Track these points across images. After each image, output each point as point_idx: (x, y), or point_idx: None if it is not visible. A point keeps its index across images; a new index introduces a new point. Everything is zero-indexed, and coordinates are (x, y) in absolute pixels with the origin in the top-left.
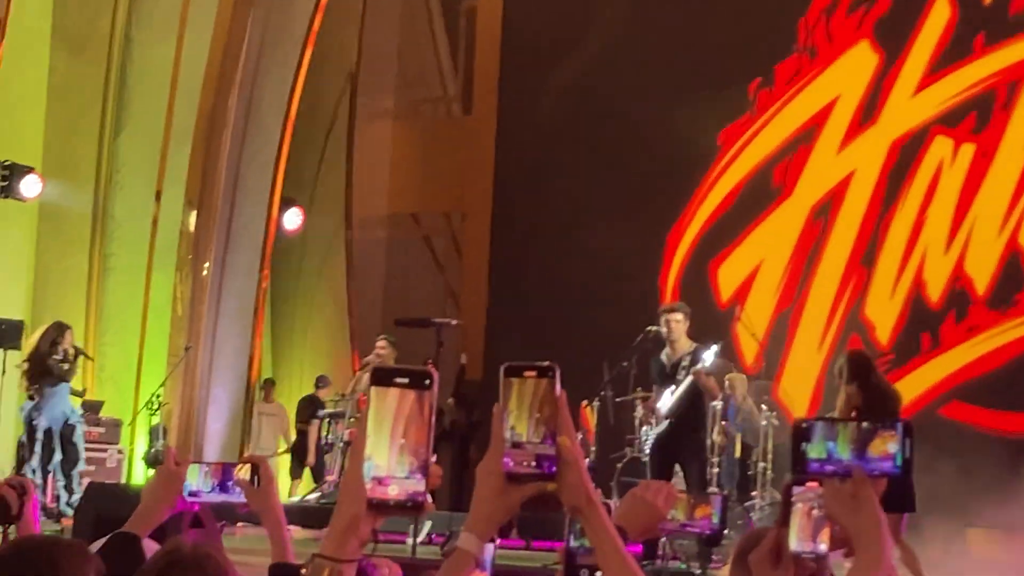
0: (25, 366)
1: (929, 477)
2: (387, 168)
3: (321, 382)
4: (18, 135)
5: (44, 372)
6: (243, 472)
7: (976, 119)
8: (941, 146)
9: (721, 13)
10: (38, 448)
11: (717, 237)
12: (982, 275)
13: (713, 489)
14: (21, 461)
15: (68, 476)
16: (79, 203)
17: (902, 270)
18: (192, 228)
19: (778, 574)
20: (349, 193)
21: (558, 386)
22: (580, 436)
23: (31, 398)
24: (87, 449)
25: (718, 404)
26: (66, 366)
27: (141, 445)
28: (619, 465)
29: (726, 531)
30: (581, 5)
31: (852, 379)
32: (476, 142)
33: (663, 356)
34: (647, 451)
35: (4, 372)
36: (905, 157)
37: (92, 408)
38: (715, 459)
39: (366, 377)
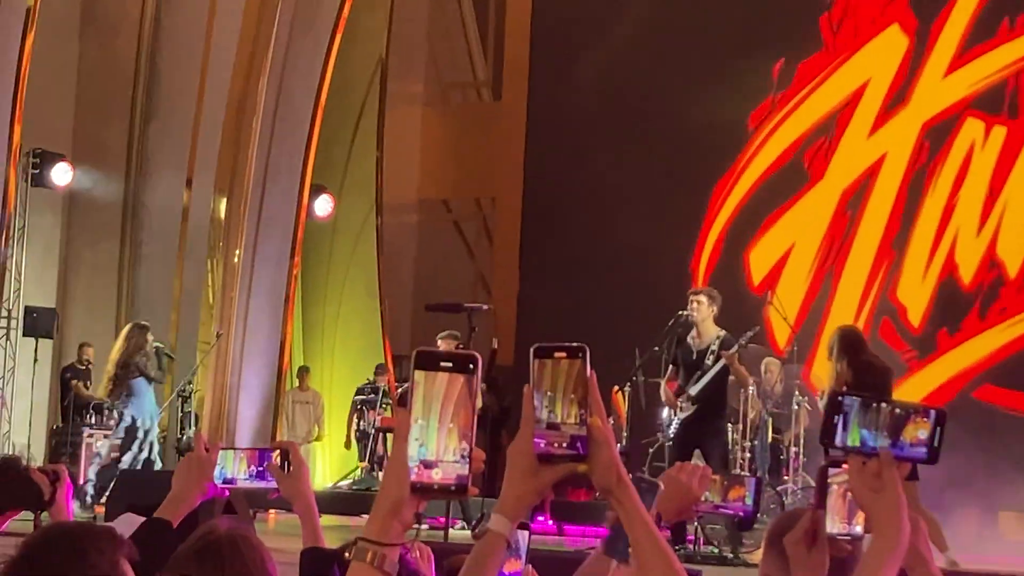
0: (112, 370)
1: (961, 461)
2: (417, 154)
3: (380, 370)
4: (48, 123)
5: (131, 373)
6: (275, 457)
7: (1007, 101)
8: (972, 128)
9: None
10: (135, 447)
11: (748, 221)
12: (1014, 257)
13: (745, 473)
14: (56, 448)
15: None
16: (109, 191)
17: (934, 253)
18: (223, 215)
19: (814, 556)
20: (379, 179)
21: (588, 367)
22: (611, 421)
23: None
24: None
25: (752, 389)
26: (153, 364)
27: (174, 432)
28: (651, 450)
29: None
30: None
31: (842, 355)
32: (506, 127)
33: (690, 341)
34: (671, 435)
35: (36, 360)
36: (936, 140)
37: None
38: (747, 443)
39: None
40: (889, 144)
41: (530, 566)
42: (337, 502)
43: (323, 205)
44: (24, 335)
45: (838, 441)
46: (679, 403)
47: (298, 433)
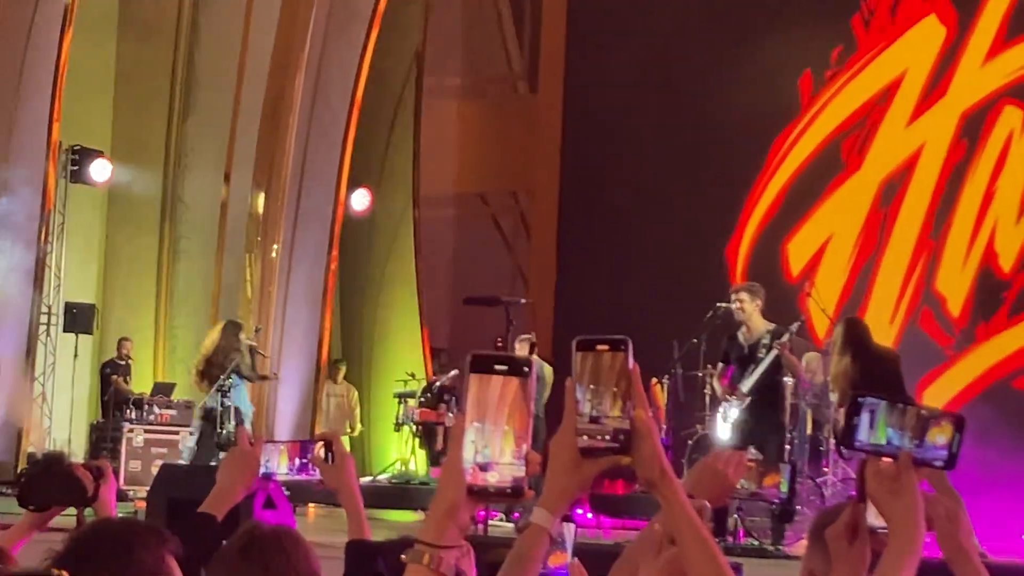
0: (202, 365)
1: (1002, 449)
2: (454, 147)
3: (443, 368)
4: (87, 120)
5: (215, 369)
6: (318, 449)
7: None
8: (1010, 116)
9: None
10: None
11: (786, 212)
12: None
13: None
14: (96, 443)
15: None
16: (148, 187)
17: (973, 242)
18: (261, 210)
19: (855, 549)
20: (416, 173)
21: (631, 359)
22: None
23: (221, 392)
24: (161, 431)
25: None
26: (247, 362)
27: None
28: (690, 442)
29: (798, 507)
30: None
31: (847, 349)
32: (543, 120)
33: (740, 337)
34: (728, 427)
35: (76, 355)
36: (974, 129)
37: (164, 391)
38: (786, 435)
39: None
40: (927, 134)
41: (576, 559)
42: (376, 495)
43: (360, 199)
44: (64, 331)
45: (858, 441)
46: (733, 398)
47: (333, 427)
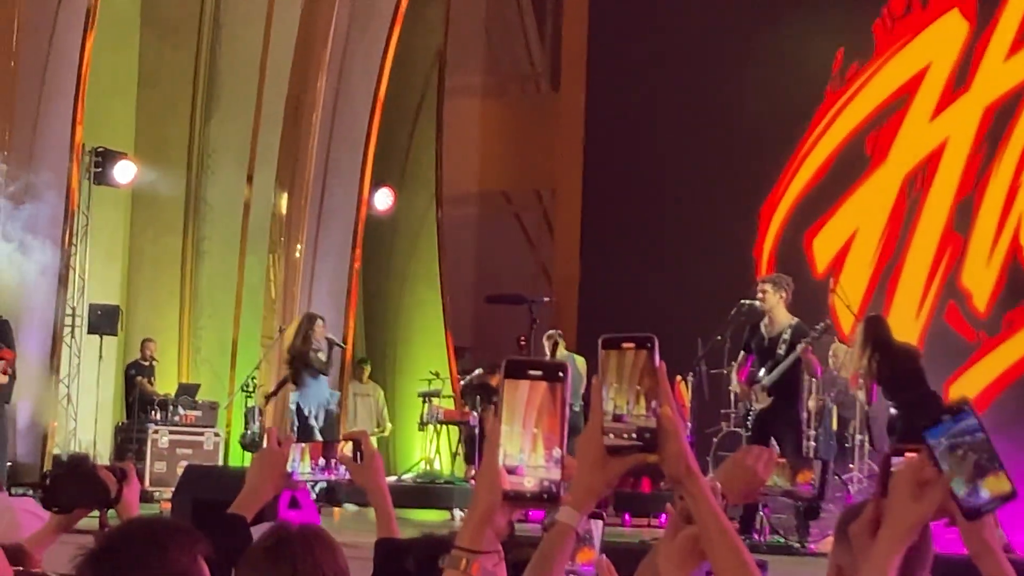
0: (288, 359)
1: None
2: (476, 146)
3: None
4: (110, 121)
5: (305, 365)
6: (345, 449)
7: None
8: None
9: None
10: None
11: (811, 208)
12: None
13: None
14: (122, 444)
15: None
16: (171, 188)
17: (998, 236)
18: (284, 210)
19: None
20: (439, 172)
21: (657, 357)
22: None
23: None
24: (186, 432)
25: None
26: (324, 357)
27: (238, 428)
28: (715, 440)
29: (824, 504)
30: None
31: (868, 346)
32: (565, 118)
33: (762, 328)
34: (748, 424)
35: (101, 357)
36: (999, 123)
37: (188, 392)
38: (811, 431)
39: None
40: (951, 128)
41: (604, 556)
42: (400, 495)
43: (383, 199)
44: (89, 332)
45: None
46: (753, 392)
47: (360, 426)
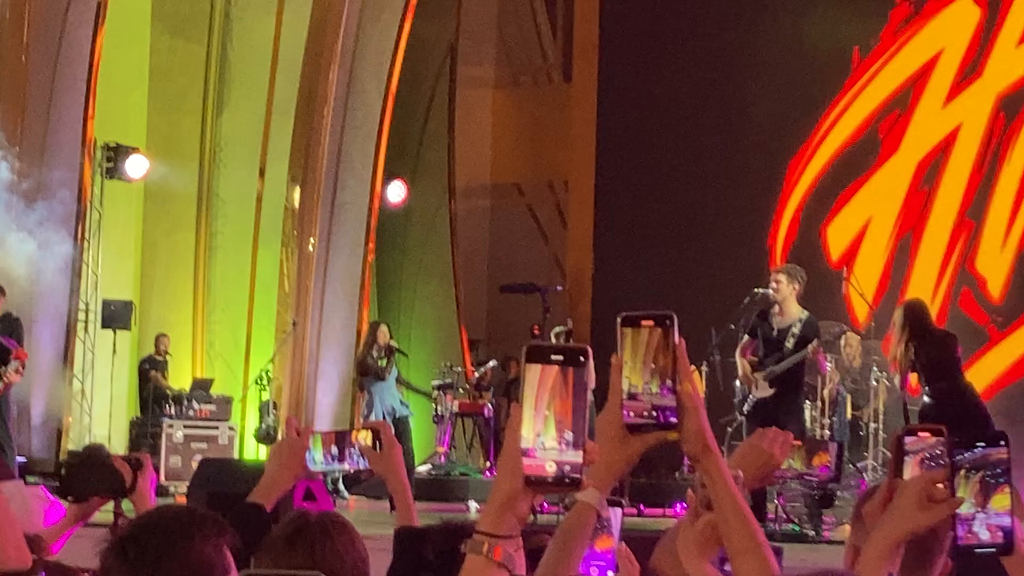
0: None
1: None
2: (489, 138)
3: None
4: (122, 117)
5: (365, 371)
6: (365, 438)
7: None
8: None
9: None
10: None
11: (825, 196)
12: None
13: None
14: (136, 439)
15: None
16: (184, 182)
17: (1012, 222)
18: (296, 204)
19: None
20: (451, 164)
21: (676, 334)
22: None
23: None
24: (200, 426)
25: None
26: (383, 363)
27: (252, 421)
28: (729, 430)
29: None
30: None
31: (907, 331)
32: (577, 109)
33: (772, 317)
34: (744, 411)
35: (115, 352)
36: (1011, 109)
37: (202, 386)
38: (825, 420)
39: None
40: (964, 115)
41: (623, 544)
42: (415, 487)
43: (396, 192)
44: (102, 327)
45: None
46: (755, 379)
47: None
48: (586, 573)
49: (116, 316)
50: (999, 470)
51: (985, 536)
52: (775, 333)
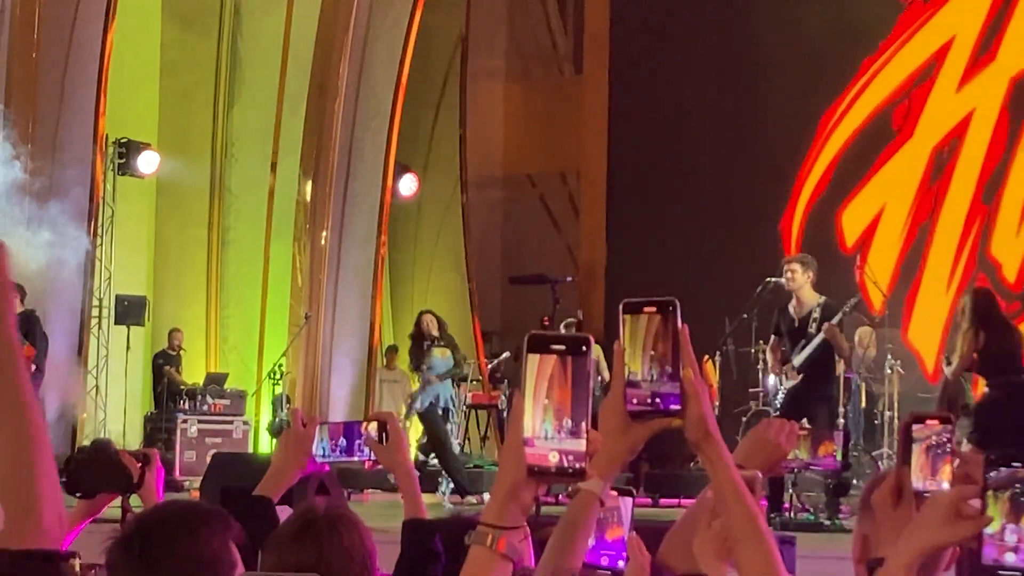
0: None
1: None
2: (500, 130)
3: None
4: (133, 112)
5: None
6: (371, 429)
7: None
8: None
9: None
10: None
11: (839, 183)
12: None
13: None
14: (151, 434)
15: (441, 458)
16: (196, 177)
17: None
18: (308, 197)
19: (900, 513)
20: (463, 156)
21: (678, 320)
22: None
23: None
24: (214, 421)
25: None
26: (416, 358)
27: (266, 415)
28: (744, 419)
29: (853, 481)
30: None
31: (974, 318)
32: (589, 100)
33: (790, 309)
34: (778, 404)
35: (129, 347)
36: None
37: (216, 381)
38: (841, 409)
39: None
40: (977, 99)
41: (634, 533)
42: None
43: (408, 184)
44: (116, 323)
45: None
46: (784, 371)
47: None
48: (596, 562)
49: (130, 312)
50: None
51: (1011, 558)
52: (797, 323)
